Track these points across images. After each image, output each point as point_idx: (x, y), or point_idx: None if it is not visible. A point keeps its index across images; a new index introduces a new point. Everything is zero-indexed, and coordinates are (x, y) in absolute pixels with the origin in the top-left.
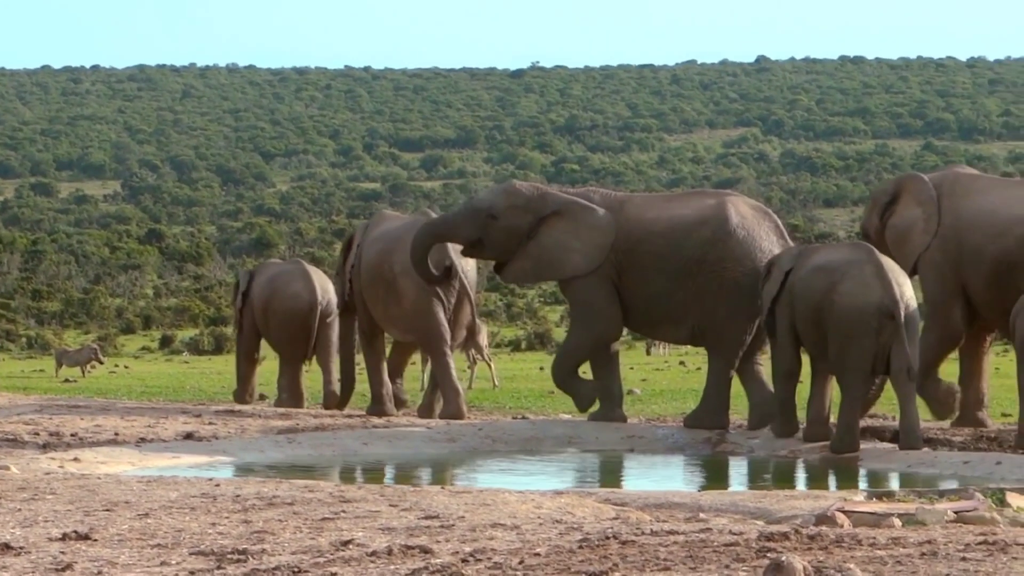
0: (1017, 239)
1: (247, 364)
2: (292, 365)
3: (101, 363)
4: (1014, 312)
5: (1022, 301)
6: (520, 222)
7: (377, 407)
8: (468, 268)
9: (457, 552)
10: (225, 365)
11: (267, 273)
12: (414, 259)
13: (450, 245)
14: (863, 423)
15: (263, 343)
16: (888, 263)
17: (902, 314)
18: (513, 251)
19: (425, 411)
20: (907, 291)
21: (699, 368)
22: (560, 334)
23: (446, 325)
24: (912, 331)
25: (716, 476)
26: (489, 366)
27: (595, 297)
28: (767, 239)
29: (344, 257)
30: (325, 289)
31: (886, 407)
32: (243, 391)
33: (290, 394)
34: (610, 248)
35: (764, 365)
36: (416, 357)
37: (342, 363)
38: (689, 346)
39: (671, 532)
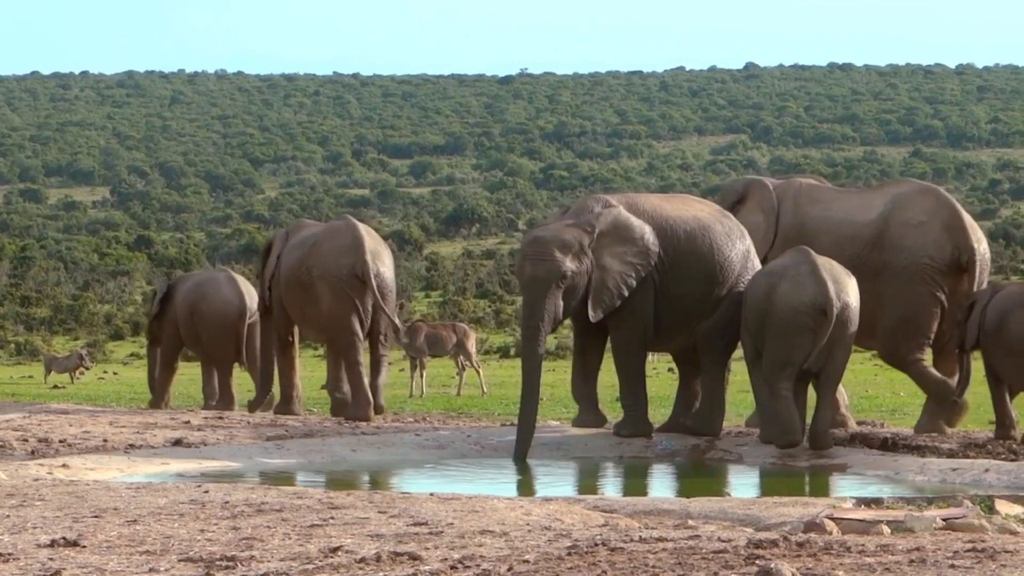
0: (861, 245)
1: (167, 372)
2: (222, 370)
3: (88, 368)
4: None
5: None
6: None
7: (285, 406)
8: (384, 272)
9: (446, 559)
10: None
11: (192, 280)
12: None
13: (367, 249)
14: (854, 428)
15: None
16: (827, 264)
17: (834, 312)
18: None
19: (339, 409)
20: (844, 291)
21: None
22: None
23: (359, 329)
24: (841, 333)
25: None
26: (477, 372)
27: None
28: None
29: (263, 263)
30: (252, 296)
31: (875, 414)
32: (159, 398)
33: (222, 398)
34: None
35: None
36: (405, 364)
37: (262, 365)
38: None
39: (660, 539)
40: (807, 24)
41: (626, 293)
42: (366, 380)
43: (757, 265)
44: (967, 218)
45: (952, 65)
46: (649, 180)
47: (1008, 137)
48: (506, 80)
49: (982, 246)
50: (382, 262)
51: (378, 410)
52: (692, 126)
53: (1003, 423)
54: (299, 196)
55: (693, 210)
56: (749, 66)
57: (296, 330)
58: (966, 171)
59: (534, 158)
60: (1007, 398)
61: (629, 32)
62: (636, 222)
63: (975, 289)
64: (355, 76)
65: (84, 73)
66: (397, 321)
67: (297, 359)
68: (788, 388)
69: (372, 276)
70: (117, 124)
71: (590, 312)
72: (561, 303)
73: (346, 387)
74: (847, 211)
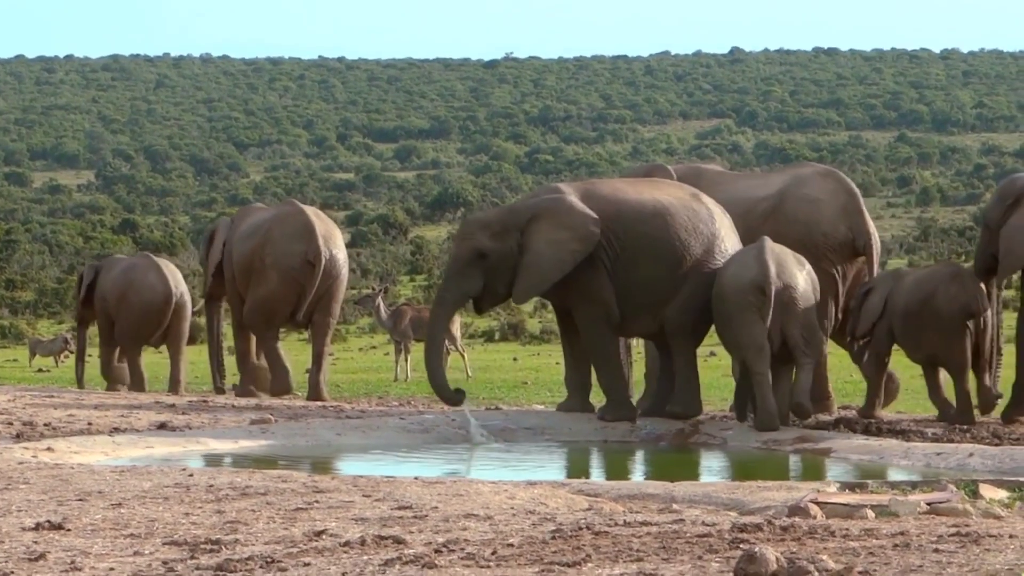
0: (756, 218)
1: (112, 352)
2: (134, 353)
3: (72, 352)
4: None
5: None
6: None
7: (245, 388)
8: (337, 254)
9: (430, 542)
10: (199, 355)
11: (119, 266)
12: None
13: (318, 234)
14: (839, 413)
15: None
16: (776, 249)
17: (772, 289)
18: None
19: (257, 381)
20: (789, 271)
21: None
22: (534, 325)
23: (288, 315)
24: (787, 310)
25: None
26: (462, 356)
27: None
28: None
29: (206, 250)
30: (177, 281)
31: (859, 399)
32: (138, 381)
33: (134, 380)
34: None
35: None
36: (390, 348)
37: (209, 347)
38: None
39: (644, 523)
40: (792, 9)
41: (554, 278)
42: (283, 356)
43: (730, 248)
44: (864, 204)
45: (937, 50)
46: (634, 164)
47: (993, 122)
48: (491, 64)
49: (875, 235)
50: (335, 244)
51: (320, 399)
52: (677, 110)
53: (956, 408)
54: (284, 180)
55: (659, 193)
56: (734, 50)
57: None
58: (951, 156)
59: (519, 142)
60: (940, 381)
61: (614, 16)
62: (577, 209)
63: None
64: (340, 60)
65: (69, 57)
66: (334, 311)
67: (253, 343)
68: (766, 368)
69: (324, 261)
70: (102, 108)
71: (513, 295)
72: (479, 281)
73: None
74: (746, 189)
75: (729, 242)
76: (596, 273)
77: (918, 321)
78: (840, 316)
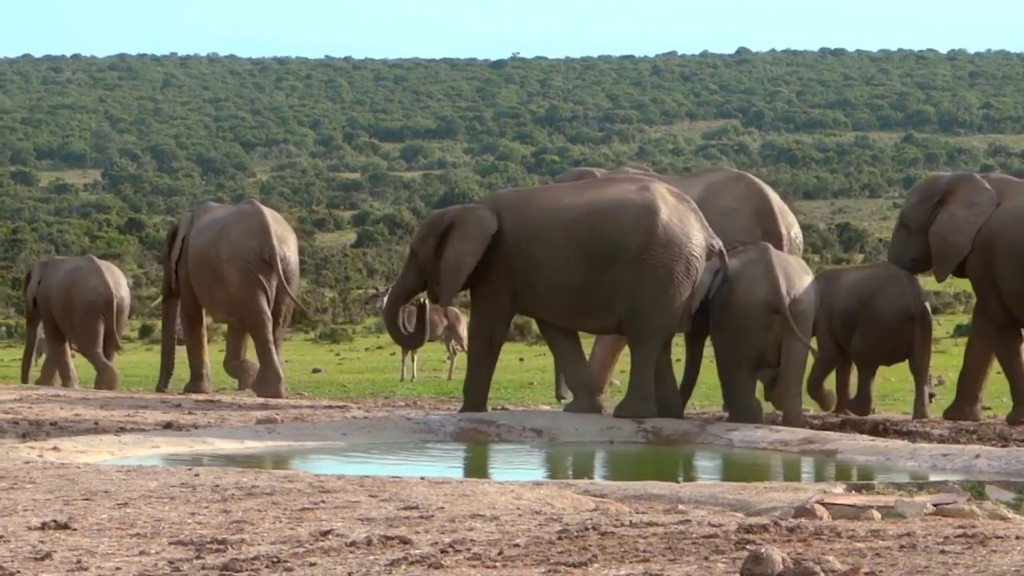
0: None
1: (60, 348)
2: (93, 350)
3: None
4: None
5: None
6: None
7: (195, 384)
8: (290, 256)
9: (436, 543)
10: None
11: (63, 268)
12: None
13: (273, 232)
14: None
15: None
16: (782, 262)
17: (786, 308)
18: None
19: (240, 377)
20: (798, 288)
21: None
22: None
23: (267, 309)
24: (801, 326)
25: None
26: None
27: None
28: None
29: (169, 247)
30: (118, 284)
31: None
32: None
33: (66, 378)
34: None
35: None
36: (396, 348)
37: (163, 346)
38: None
39: (650, 524)
40: (799, 9)
41: (456, 284)
42: (276, 357)
43: (690, 238)
44: (777, 204)
45: (944, 50)
46: (641, 164)
47: (999, 123)
48: (498, 64)
49: (793, 231)
50: (288, 246)
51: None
52: (684, 111)
53: (862, 401)
54: (290, 179)
55: (605, 195)
56: (741, 51)
57: (203, 312)
58: (958, 156)
59: (526, 142)
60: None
61: (621, 16)
62: (480, 218)
63: None
64: (347, 60)
65: (76, 56)
66: (300, 303)
67: (204, 339)
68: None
69: (278, 259)
70: (109, 107)
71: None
72: (417, 278)
73: (249, 362)
74: None
75: (684, 232)
76: (496, 280)
77: (854, 323)
78: None
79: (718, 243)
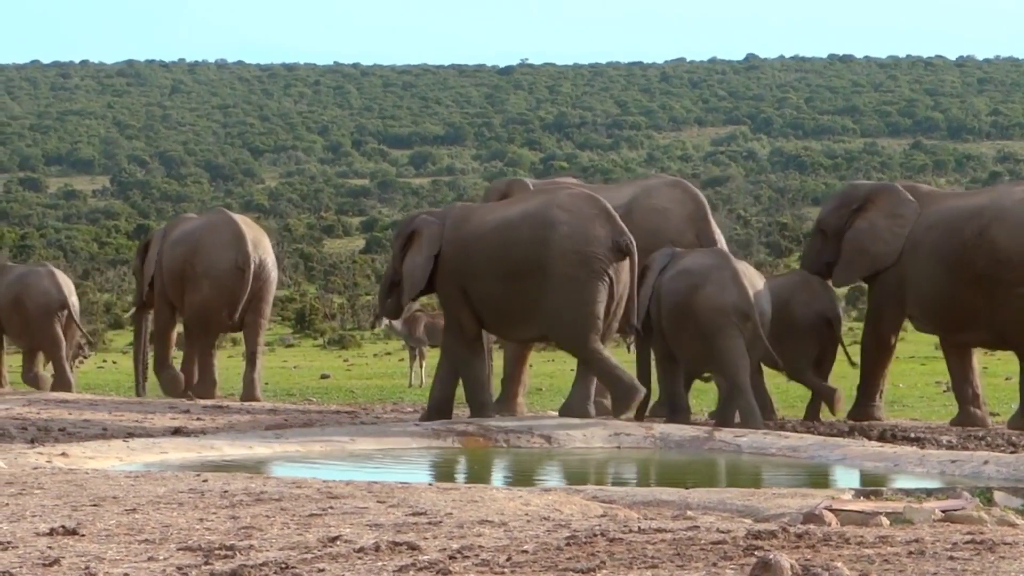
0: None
1: None
2: (33, 356)
3: (86, 359)
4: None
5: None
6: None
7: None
8: (267, 259)
9: (445, 549)
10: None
11: (15, 274)
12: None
13: (248, 240)
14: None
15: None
16: (743, 267)
17: (755, 314)
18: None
19: (170, 387)
20: (761, 293)
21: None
22: None
23: (223, 320)
24: (764, 329)
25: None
26: None
27: None
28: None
29: (141, 259)
30: (70, 290)
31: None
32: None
33: (36, 382)
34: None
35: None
36: (404, 354)
37: (135, 355)
38: None
39: (659, 530)
40: (808, 16)
41: (410, 292)
42: (215, 367)
43: (591, 249)
44: (708, 211)
45: (952, 57)
46: (649, 171)
47: (1008, 129)
48: (506, 70)
49: (721, 241)
50: (264, 250)
51: (254, 400)
52: (692, 117)
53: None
54: (299, 186)
55: (514, 210)
56: (750, 57)
57: (175, 323)
58: (966, 163)
59: (534, 149)
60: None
61: (630, 23)
62: (432, 232)
63: None
64: (355, 66)
65: (84, 62)
66: (264, 316)
67: (172, 346)
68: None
69: (253, 266)
70: (117, 113)
71: None
72: (395, 276)
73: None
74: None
75: (584, 238)
76: (448, 291)
77: (772, 329)
78: None
79: (624, 240)
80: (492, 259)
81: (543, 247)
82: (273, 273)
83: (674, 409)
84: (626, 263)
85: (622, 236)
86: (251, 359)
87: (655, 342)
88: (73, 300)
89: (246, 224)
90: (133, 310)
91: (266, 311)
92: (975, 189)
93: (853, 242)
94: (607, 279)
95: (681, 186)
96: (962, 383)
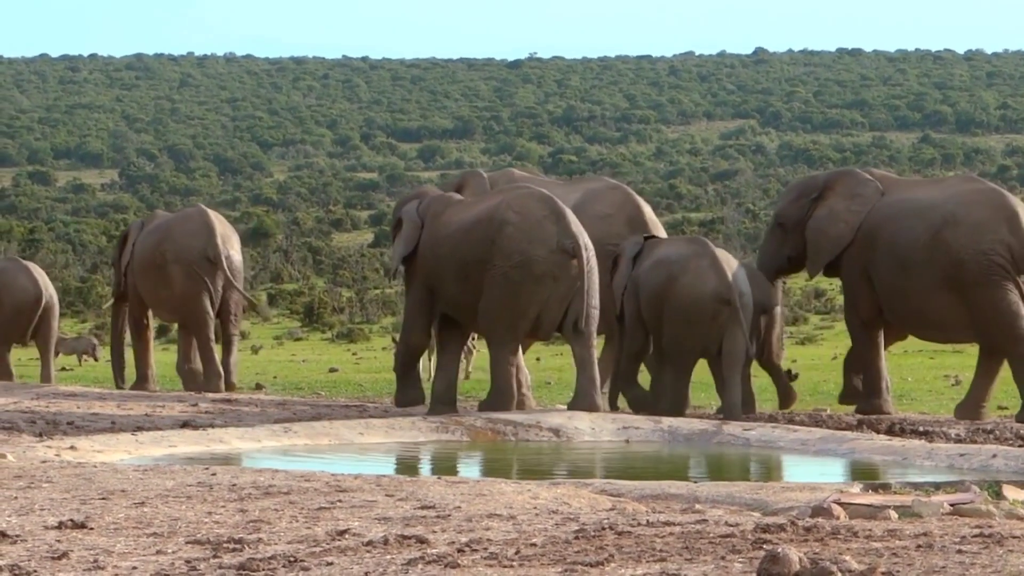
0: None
1: None
2: (4, 350)
3: (96, 360)
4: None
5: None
6: None
7: (141, 384)
8: (234, 255)
9: (453, 542)
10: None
11: None
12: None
13: (217, 233)
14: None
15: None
16: (723, 255)
17: (737, 300)
18: None
19: (190, 383)
20: (740, 280)
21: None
22: None
23: (210, 309)
24: (746, 316)
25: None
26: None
27: None
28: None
29: (119, 251)
30: (46, 284)
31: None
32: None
33: (3, 373)
34: None
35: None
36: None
37: (112, 345)
38: None
39: (667, 523)
40: (817, 9)
41: (392, 267)
42: (217, 356)
43: (533, 251)
44: (649, 214)
45: (961, 51)
46: (658, 165)
47: (1017, 123)
48: (515, 64)
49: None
50: (232, 246)
51: (230, 387)
52: (701, 111)
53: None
54: (308, 179)
55: (472, 210)
56: (758, 51)
57: (150, 314)
58: (975, 157)
59: (543, 142)
60: None
61: (638, 16)
62: (413, 222)
63: None
64: (364, 60)
65: (93, 55)
66: (250, 297)
67: (152, 341)
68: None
69: (223, 258)
70: (126, 107)
71: None
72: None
73: (197, 363)
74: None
75: (527, 239)
76: (414, 285)
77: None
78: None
79: (570, 243)
80: (451, 259)
81: (489, 246)
82: (240, 268)
83: (641, 400)
84: (573, 263)
85: (568, 238)
86: (227, 346)
87: (628, 335)
88: (50, 293)
89: (218, 219)
90: (111, 302)
91: (235, 310)
92: (934, 179)
93: (815, 230)
94: (548, 282)
95: (622, 190)
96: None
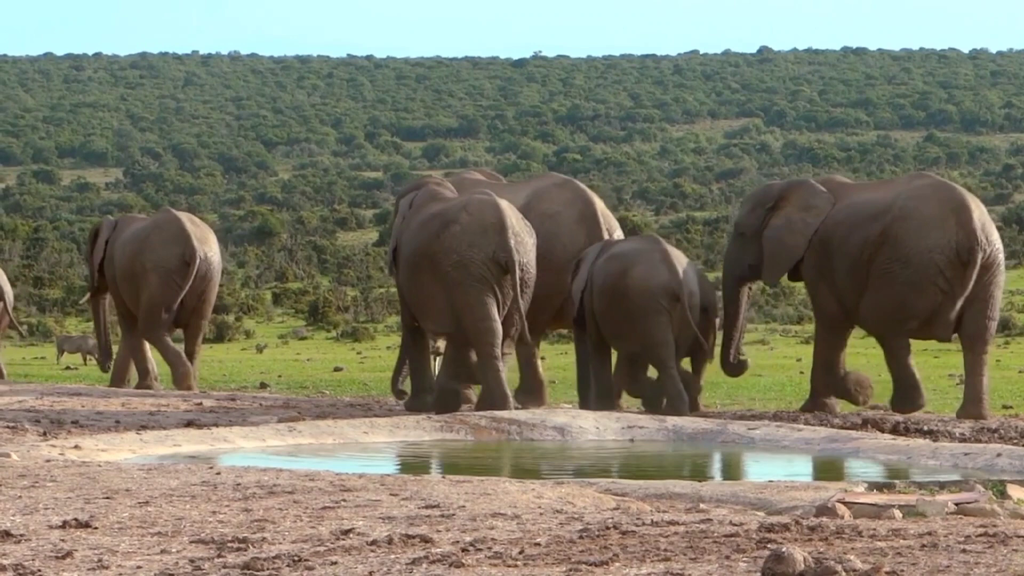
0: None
1: None
2: None
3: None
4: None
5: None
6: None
7: (143, 381)
8: (211, 255)
9: (457, 541)
10: (226, 353)
11: None
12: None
13: (193, 236)
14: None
15: None
16: (675, 251)
17: (685, 295)
18: None
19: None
20: (690, 275)
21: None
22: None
23: (171, 315)
24: (694, 315)
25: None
26: None
27: None
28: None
29: (91, 247)
30: (3, 280)
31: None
32: None
33: None
34: None
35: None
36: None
37: (97, 337)
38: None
39: (672, 523)
40: (821, 8)
41: (388, 260)
42: (189, 354)
43: (471, 253)
44: (600, 208)
45: (966, 50)
46: (662, 164)
47: (1021, 122)
48: (520, 63)
49: (615, 235)
50: (209, 247)
51: (185, 379)
52: (706, 110)
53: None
54: (312, 178)
55: (431, 209)
56: (763, 50)
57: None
58: (979, 156)
59: (547, 141)
60: None
61: (643, 15)
62: (398, 215)
63: None
64: (369, 58)
65: (97, 54)
66: (208, 308)
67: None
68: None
69: (199, 261)
70: (130, 106)
71: None
72: None
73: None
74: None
75: (468, 241)
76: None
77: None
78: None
79: (503, 256)
80: (409, 253)
81: (435, 242)
82: (217, 273)
83: (602, 395)
84: (507, 278)
85: (502, 252)
86: (189, 357)
87: (589, 330)
88: (7, 290)
89: (191, 221)
90: (87, 296)
91: (207, 312)
92: (885, 180)
93: (771, 240)
94: (488, 284)
95: (571, 186)
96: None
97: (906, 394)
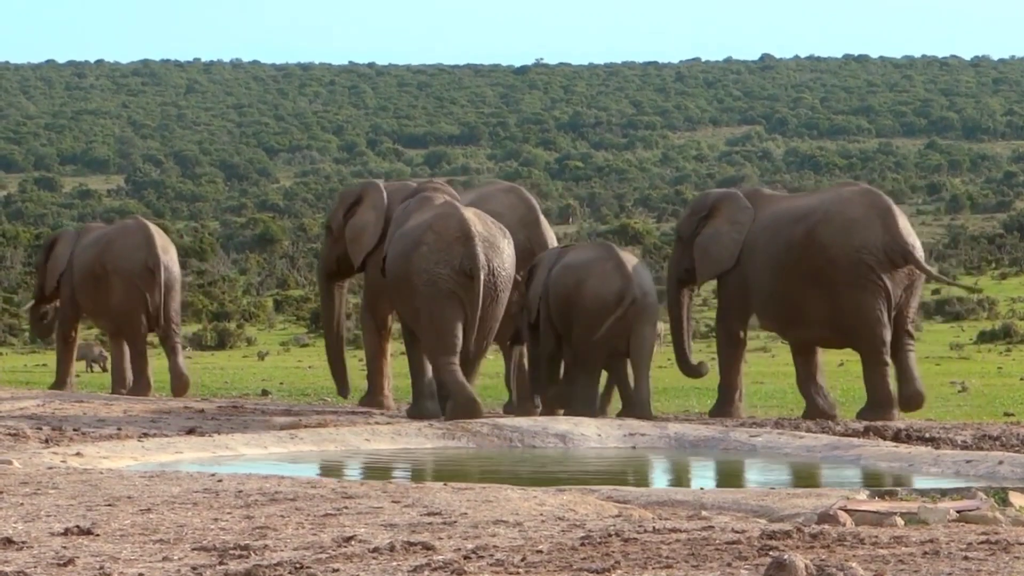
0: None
1: None
2: None
3: (105, 370)
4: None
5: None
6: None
7: (59, 386)
8: (172, 265)
9: (459, 549)
10: (228, 360)
11: None
12: None
13: (157, 244)
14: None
15: None
16: (629, 258)
17: (637, 301)
18: None
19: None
20: (645, 281)
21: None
22: None
23: (144, 320)
24: (650, 316)
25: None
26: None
27: None
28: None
29: (46, 255)
30: None
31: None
32: None
33: None
34: None
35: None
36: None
37: (57, 346)
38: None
39: (673, 530)
40: (823, 16)
41: None
42: (150, 366)
43: (434, 268)
44: (540, 215)
45: (967, 57)
46: (664, 171)
47: (1023, 129)
48: (521, 70)
49: (551, 242)
50: (170, 257)
51: (183, 389)
52: (707, 117)
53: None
54: (314, 185)
55: (414, 223)
56: (765, 57)
57: (78, 324)
58: (981, 163)
59: (549, 148)
60: None
61: (645, 23)
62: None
63: None
64: (370, 66)
65: (99, 62)
66: (175, 315)
67: (75, 349)
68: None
69: (161, 269)
70: (132, 113)
71: None
72: None
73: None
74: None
75: (432, 257)
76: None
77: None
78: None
79: (468, 265)
80: (393, 276)
81: (406, 263)
82: (177, 283)
83: (586, 403)
84: (472, 285)
85: (468, 261)
86: (173, 351)
87: (542, 338)
88: None
89: (156, 231)
90: (31, 303)
91: (175, 318)
92: (812, 189)
93: (699, 248)
94: (457, 296)
95: (515, 192)
96: (806, 380)
97: (880, 406)
